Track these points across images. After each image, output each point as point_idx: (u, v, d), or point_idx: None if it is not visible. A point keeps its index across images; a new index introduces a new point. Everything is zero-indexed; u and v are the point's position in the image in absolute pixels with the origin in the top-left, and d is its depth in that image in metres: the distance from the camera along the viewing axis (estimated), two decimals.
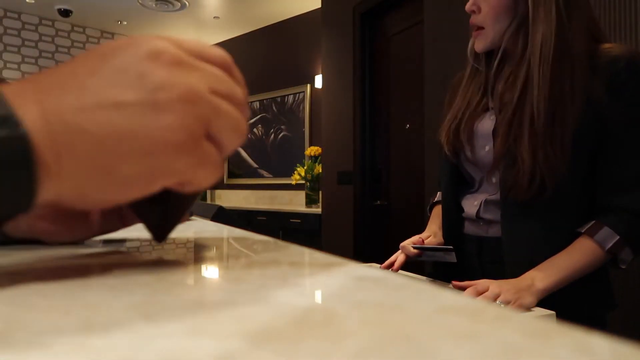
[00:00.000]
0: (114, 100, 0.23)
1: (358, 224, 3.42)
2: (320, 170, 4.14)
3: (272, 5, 4.96)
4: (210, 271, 0.31)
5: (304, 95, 5.06)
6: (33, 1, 4.87)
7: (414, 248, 1.06)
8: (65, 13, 5.10)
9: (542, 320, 0.17)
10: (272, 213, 4.62)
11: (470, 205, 1.06)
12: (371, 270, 0.27)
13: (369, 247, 3.36)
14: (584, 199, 0.94)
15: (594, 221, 0.91)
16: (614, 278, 1.00)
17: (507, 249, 0.96)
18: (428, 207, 1.27)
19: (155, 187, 0.25)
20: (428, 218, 1.23)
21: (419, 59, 2.77)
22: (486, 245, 1.03)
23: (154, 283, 0.24)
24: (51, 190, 0.22)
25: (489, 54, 1.05)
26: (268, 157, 5.46)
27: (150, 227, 0.32)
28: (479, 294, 0.85)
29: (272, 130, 5.43)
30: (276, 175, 5.35)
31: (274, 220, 4.54)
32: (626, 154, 0.91)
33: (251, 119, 5.67)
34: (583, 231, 0.91)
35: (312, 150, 4.59)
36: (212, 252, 0.39)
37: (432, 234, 1.13)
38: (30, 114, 0.21)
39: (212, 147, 0.27)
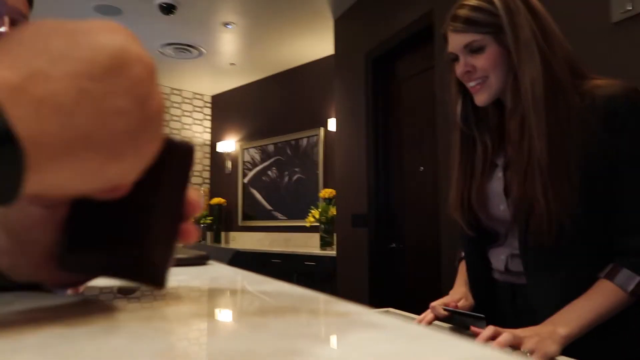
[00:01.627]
0: (113, 105, 0.25)
1: (373, 267, 3.38)
2: (335, 213, 4.14)
3: (286, 53, 5.11)
4: (228, 319, 0.31)
5: (317, 138, 5.12)
6: None
7: (445, 310, 1.04)
8: None
9: None
10: (286, 255, 4.60)
11: (498, 259, 1.05)
12: (390, 319, 0.27)
13: (385, 291, 3.31)
14: (604, 243, 0.93)
15: (612, 265, 0.90)
16: None
17: (534, 299, 0.95)
18: (457, 261, 1.26)
19: (126, 181, 0.27)
20: (456, 271, 1.22)
21: (430, 102, 2.81)
22: (519, 292, 1.01)
23: (175, 330, 0.25)
24: (36, 183, 0.22)
25: (480, 115, 1.06)
26: (282, 199, 5.48)
27: (144, 281, 0.33)
28: (494, 339, 0.82)
29: (286, 172, 5.48)
30: (290, 217, 5.35)
31: (289, 263, 4.51)
32: (635, 194, 0.90)
33: (266, 161, 5.73)
34: (602, 276, 0.89)
35: (326, 193, 4.61)
36: (229, 299, 0.39)
37: (463, 296, 1.11)
38: (24, 116, 0.21)
39: None
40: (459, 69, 1.01)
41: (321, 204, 4.65)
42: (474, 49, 0.98)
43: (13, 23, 0.83)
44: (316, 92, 5.18)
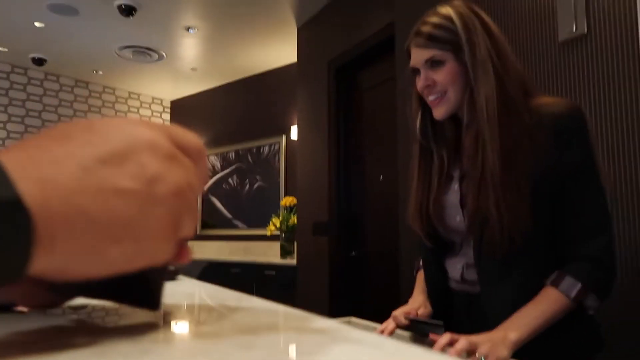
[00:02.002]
0: (116, 186, 0.25)
1: (334, 275, 3.39)
2: (296, 221, 4.13)
3: (249, 59, 5.08)
4: (185, 333, 0.30)
5: (279, 146, 5.11)
6: (6, 49, 4.88)
7: (406, 319, 1.08)
8: (39, 62, 5.11)
9: None
10: (246, 265, 4.55)
11: (454, 268, 1.09)
12: (368, 335, 0.27)
13: (345, 299, 3.32)
14: (551, 252, 0.98)
15: (557, 272, 0.95)
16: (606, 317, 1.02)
17: (488, 307, 0.99)
18: (415, 270, 1.29)
19: (134, 268, 0.27)
20: (414, 279, 1.26)
21: (391, 112, 2.86)
22: (475, 301, 1.05)
23: (134, 349, 0.24)
24: (41, 263, 0.23)
25: (437, 129, 1.10)
26: (243, 207, 5.43)
27: (137, 304, 0.32)
28: (451, 345, 0.85)
29: (247, 180, 5.44)
30: (251, 226, 5.30)
31: (248, 272, 4.46)
32: (580, 205, 0.96)
33: (226, 169, 5.67)
34: (548, 282, 0.95)
35: (287, 201, 4.59)
36: (187, 313, 0.38)
37: (422, 304, 1.15)
38: (30, 191, 0.22)
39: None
40: (420, 82, 1.05)
41: (282, 212, 4.63)
42: (434, 63, 1.02)
43: None
44: (278, 99, 5.18)
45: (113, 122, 0.28)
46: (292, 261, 4.12)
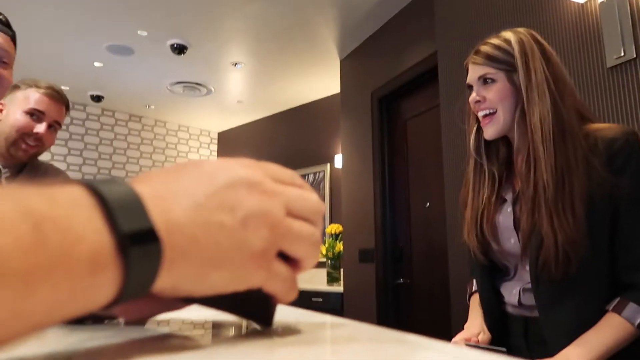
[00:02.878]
0: (219, 221, 0.30)
1: (381, 302, 3.38)
2: (341, 248, 4.15)
3: (293, 91, 5.23)
4: (323, 348, 0.34)
5: (323, 174, 5.19)
6: (68, 88, 5.21)
7: (467, 345, 1.08)
8: (97, 99, 5.44)
9: None
10: None
11: (509, 293, 1.09)
12: (441, 344, 0.31)
13: (394, 327, 3.29)
14: (610, 276, 0.97)
15: (619, 298, 0.94)
16: None
17: (547, 332, 0.98)
18: (467, 296, 1.30)
19: (231, 290, 0.31)
20: (467, 307, 1.26)
21: (436, 139, 2.88)
22: (532, 325, 1.05)
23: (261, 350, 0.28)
24: (159, 282, 0.28)
25: (491, 148, 1.13)
26: None
27: (252, 318, 0.36)
28: None
29: None
30: None
31: (296, 299, 4.48)
32: (637, 231, 0.95)
33: None
34: (610, 309, 0.93)
35: (332, 228, 4.63)
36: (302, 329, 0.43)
37: (480, 330, 1.14)
38: (159, 221, 0.27)
39: (282, 265, 0.33)
40: (471, 97, 1.10)
41: (328, 239, 4.66)
42: (486, 81, 1.08)
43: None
44: (322, 129, 5.28)
45: (217, 164, 0.33)
46: (339, 288, 4.13)
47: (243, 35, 3.98)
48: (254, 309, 0.35)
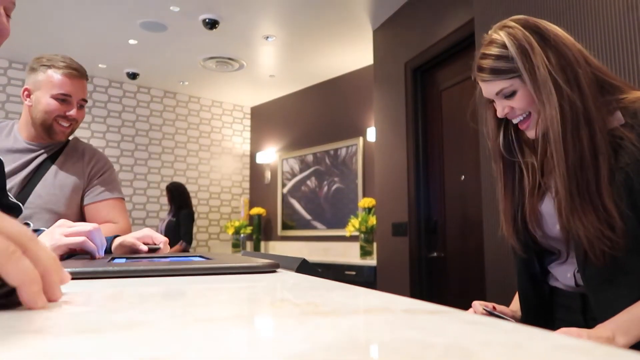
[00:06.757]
0: None
1: (414, 276, 3.38)
2: (374, 222, 4.15)
3: (325, 64, 5.18)
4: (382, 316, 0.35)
5: (356, 148, 5.17)
6: (104, 66, 5.32)
7: (484, 309, 1.11)
8: (133, 76, 5.53)
9: None
10: (326, 265, 4.64)
11: (564, 277, 1.09)
12: (478, 317, 0.31)
13: (426, 300, 3.29)
14: None
15: None
16: None
17: (598, 313, 0.97)
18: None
19: None
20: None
21: (472, 111, 2.81)
22: (589, 302, 1.04)
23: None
24: None
25: (521, 142, 1.11)
26: (321, 209, 5.54)
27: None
28: None
29: (325, 182, 5.54)
30: (330, 227, 5.39)
31: (328, 273, 4.55)
32: None
33: (305, 171, 5.81)
34: None
35: (365, 202, 4.63)
36: (355, 303, 0.43)
37: (510, 310, 1.17)
38: None
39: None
40: (499, 111, 1.07)
41: (360, 213, 4.67)
42: (506, 95, 1.04)
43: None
44: (355, 102, 5.23)
45: None
46: (372, 261, 4.15)
47: (274, 8, 3.95)
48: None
